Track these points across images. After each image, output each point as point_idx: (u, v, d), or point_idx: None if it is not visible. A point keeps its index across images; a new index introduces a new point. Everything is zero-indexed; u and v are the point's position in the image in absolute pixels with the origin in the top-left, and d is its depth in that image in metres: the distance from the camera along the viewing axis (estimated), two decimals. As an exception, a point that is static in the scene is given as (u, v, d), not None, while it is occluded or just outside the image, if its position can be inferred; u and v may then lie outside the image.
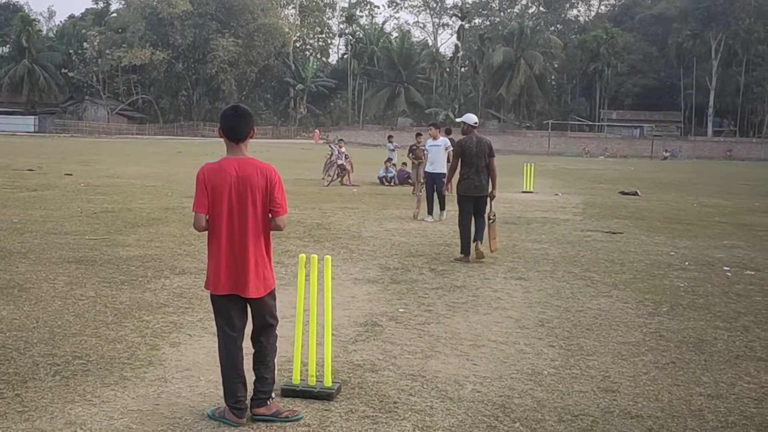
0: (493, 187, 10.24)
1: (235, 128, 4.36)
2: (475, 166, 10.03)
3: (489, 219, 10.28)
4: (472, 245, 10.04)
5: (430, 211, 14.49)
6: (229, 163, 4.32)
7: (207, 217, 4.32)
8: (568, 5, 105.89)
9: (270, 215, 4.38)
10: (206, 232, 4.39)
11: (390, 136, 26.97)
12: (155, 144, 58.87)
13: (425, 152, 15.86)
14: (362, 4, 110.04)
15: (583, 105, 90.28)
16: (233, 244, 4.30)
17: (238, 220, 4.29)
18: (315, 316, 4.90)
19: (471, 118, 10.45)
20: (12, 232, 11.08)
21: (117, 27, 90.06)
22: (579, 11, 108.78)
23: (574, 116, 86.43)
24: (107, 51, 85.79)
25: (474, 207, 10.17)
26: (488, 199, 10.24)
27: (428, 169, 14.76)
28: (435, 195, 14.48)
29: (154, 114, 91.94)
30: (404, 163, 23.73)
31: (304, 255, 4.90)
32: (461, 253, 10.13)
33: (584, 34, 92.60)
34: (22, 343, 5.65)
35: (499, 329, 6.53)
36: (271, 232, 4.46)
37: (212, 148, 43.91)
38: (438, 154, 14.60)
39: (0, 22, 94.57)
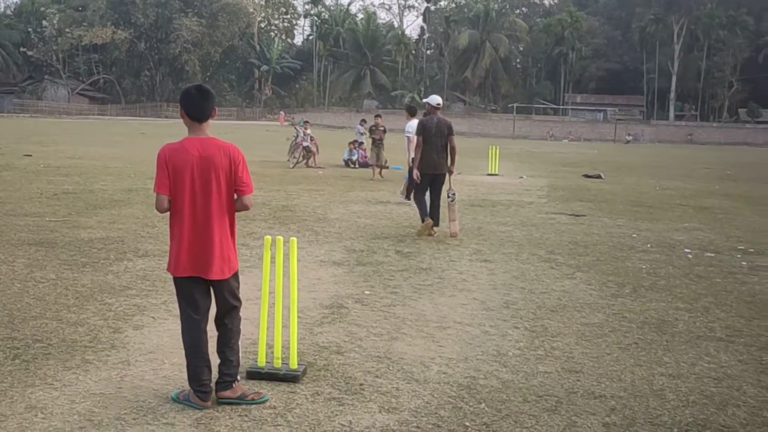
0: (452, 163, 10.49)
1: (197, 108, 4.27)
2: (434, 145, 10.29)
3: (448, 197, 10.46)
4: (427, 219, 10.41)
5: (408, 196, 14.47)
6: (190, 143, 4.24)
7: (169, 198, 4.23)
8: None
9: (235, 195, 4.32)
10: (168, 214, 4.32)
11: (362, 120, 26.87)
12: (117, 125, 58.04)
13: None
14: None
15: (547, 88, 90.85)
16: (196, 226, 4.23)
17: (201, 200, 4.21)
18: (281, 299, 4.86)
19: (434, 99, 10.73)
20: (-31, 214, 10.86)
21: (77, 5, 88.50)
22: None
23: (539, 99, 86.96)
24: (67, 29, 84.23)
25: (431, 185, 10.44)
26: (446, 176, 10.47)
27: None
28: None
29: (116, 94, 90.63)
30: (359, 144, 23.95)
31: (269, 237, 4.86)
32: (423, 221, 10.48)
33: (549, 17, 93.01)
34: (-20, 327, 5.54)
35: (464, 311, 6.55)
36: (236, 214, 4.41)
37: (176, 129, 43.37)
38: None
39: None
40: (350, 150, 23.98)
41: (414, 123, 15.11)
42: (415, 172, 10.34)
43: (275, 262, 4.80)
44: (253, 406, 4.29)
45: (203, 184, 4.20)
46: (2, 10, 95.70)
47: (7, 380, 4.54)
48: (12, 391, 4.38)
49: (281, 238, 4.82)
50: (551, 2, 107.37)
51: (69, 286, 6.89)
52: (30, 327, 5.61)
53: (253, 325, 5.32)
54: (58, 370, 4.76)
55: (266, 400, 4.37)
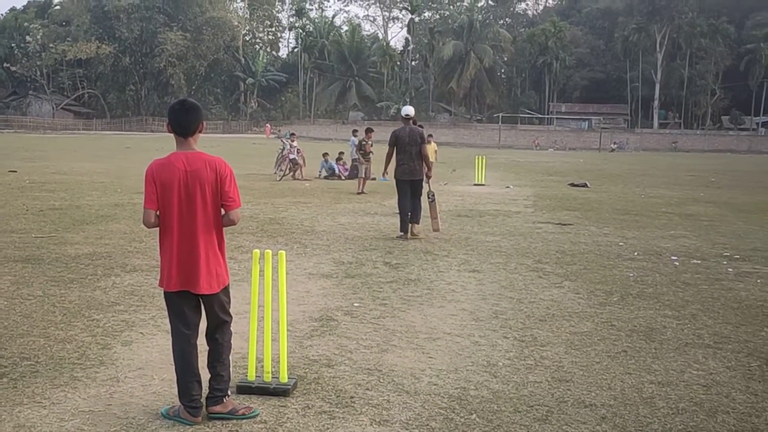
0: (428, 169, 11.41)
1: (183, 122, 4.28)
2: (408, 153, 11.21)
3: (429, 198, 11.59)
4: (410, 225, 11.30)
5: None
6: (177, 158, 4.24)
7: (157, 213, 4.24)
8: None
9: (222, 210, 4.32)
10: (158, 229, 4.32)
11: (354, 130, 26.64)
12: (103, 139, 57.84)
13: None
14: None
15: (532, 98, 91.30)
16: (184, 240, 4.23)
17: (188, 215, 4.21)
18: (270, 312, 4.85)
19: (405, 110, 11.58)
20: (-46, 231, 10.79)
21: (61, 20, 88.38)
22: (527, 4, 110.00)
23: (524, 109, 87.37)
24: (51, 45, 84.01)
25: (410, 190, 11.26)
26: (424, 181, 11.38)
27: None
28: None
29: (101, 109, 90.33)
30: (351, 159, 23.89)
31: (257, 250, 4.85)
32: (400, 231, 11.34)
33: (533, 27, 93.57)
34: (-33, 345, 5.50)
35: (453, 322, 6.56)
36: (224, 228, 4.41)
37: (162, 143, 43.28)
38: None
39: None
40: (325, 160, 23.97)
41: None
42: (385, 174, 11.66)
43: (264, 276, 4.79)
44: (244, 420, 4.28)
45: (190, 198, 4.20)
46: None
47: (-5, 399, 4.50)
48: (0, 410, 4.35)
49: (270, 251, 4.82)
50: (535, 12, 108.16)
51: (56, 303, 6.84)
52: (17, 345, 5.57)
53: (242, 339, 5.30)
54: (47, 387, 4.72)
55: (257, 415, 4.35)
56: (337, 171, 23.67)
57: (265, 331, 4.82)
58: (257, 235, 11.27)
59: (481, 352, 5.68)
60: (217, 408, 4.32)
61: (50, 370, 5.04)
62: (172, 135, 4.34)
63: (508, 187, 22.05)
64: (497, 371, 5.25)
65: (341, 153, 25.01)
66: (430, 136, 22.94)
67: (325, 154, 24.19)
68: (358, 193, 18.49)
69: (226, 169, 4.29)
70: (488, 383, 5.00)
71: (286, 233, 11.56)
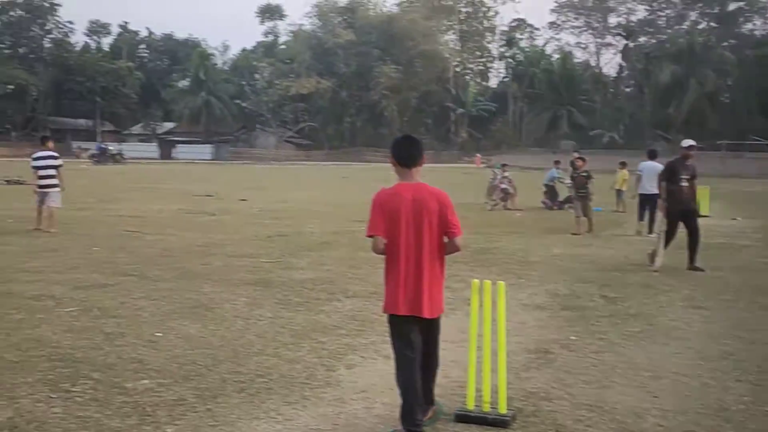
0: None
1: (407, 155, 4.57)
2: (680, 185, 11.13)
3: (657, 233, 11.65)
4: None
5: (650, 230, 15.12)
6: (404, 188, 4.51)
7: (384, 240, 4.46)
8: (742, 19, 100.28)
9: (446, 237, 4.52)
10: (379, 255, 4.57)
11: (557, 161, 26.23)
12: (321, 170, 60.91)
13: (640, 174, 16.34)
14: (522, 27, 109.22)
15: (762, 124, 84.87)
16: (410, 266, 4.43)
17: (414, 242, 4.43)
18: (489, 342, 4.88)
19: (685, 142, 11.77)
20: (196, 255, 11.81)
21: (285, 58, 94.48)
22: (755, 24, 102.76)
23: (753, 136, 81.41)
24: (276, 81, 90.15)
25: (683, 220, 11.25)
26: (694, 212, 11.55)
27: (641, 190, 16.16)
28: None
29: (319, 141, 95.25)
30: (545, 192, 23.44)
31: (477, 280, 4.92)
32: (651, 262, 11.07)
33: (762, 48, 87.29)
34: (210, 360, 5.99)
35: (679, 360, 6.23)
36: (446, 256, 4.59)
37: (377, 174, 44.86)
38: (651, 175, 14.88)
39: (181, 57, 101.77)
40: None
41: (648, 164, 16.03)
42: (663, 207, 11.36)
43: (482, 306, 4.83)
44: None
45: (416, 226, 4.43)
46: (220, 66, 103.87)
47: (236, 412, 4.87)
48: (240, 422, 4.70)
49: (489, 282, 4.86)
50: (763, 32, 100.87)
51: (285, 325, 7.29)
52: (253, 362, 5.99)
53: (459, 368, 5.38)
54: (280, 404, 5.04)
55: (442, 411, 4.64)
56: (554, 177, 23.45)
57: (483, 362, 4.85)
58: (470, 264, 11.34)
59: (711, 395, 5.35)
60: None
61: (282, 388, 5.37)
62: (390, 166, 4.61)
63: (735, 219, 20.64)
64: (731, 416, 4.92)
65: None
66: (624, 163, 22.06)
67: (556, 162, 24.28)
68: (573, 234, 15.90)
69: (448, 200, 4.55)
70: (720, 428, 4.70)
71: (499, 263, 11.56)
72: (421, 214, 4.42)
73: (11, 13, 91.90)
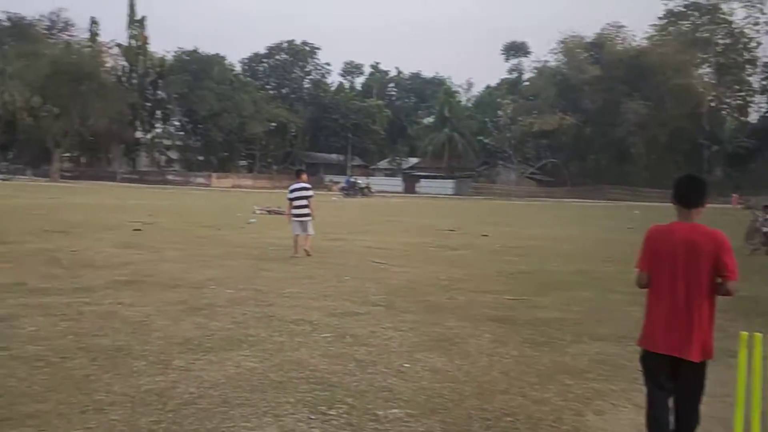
0: None
1: (690, 196, 4.55)
2: None
3: None
4: None
5: None
6: (678, 228, 4.50)
7: (647, 275, 4.50)
8: None
9: (720, 280, 4.40)
10: (639, 292, 4.63)
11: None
12: (564, 207, 59.90)
13: None
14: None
15: None
16: (675, 305, 4.38)
17: (682, 281, 4.39)
18: (759, 400, 4.49)
19: None
20: (440, 288, 12.03)
21: (529, 94, 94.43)
22: None
23: None
24: (519, 118, 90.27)
25: None
26: None
27: None
28: None
29: (561, 177, 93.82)
30: None
31: (745, 333, 4.55)
32: None
33: None
34: (456, 395, 6.05)
35: None
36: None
37: (655, 214, 43.11)
38: None
39: (427, 95, 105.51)
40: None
41: None
42: None
43: (752, 360, 4.47)
44: None
45: (686, 266, 4.38)
46: (464, 102, 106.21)
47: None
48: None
49: (759, 335, 4.50)
50: None
51: (530, 364, 7.19)
52: (498, 400, 5.96)
53: (721, 426, 4.99)
54: (529, 447, 4.97)
55: None
56: None
57: (753, 421, 4.45)
58: (729, 312, 10.51)
59: None
60: None
61: (529, 429, 5.30)
62: (674, 206, 4.60)
63: None
64: None
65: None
66: None
67: None
68: None
69: (725, 242, 4.44)
70: None
71: (763, 314, 10.62)
72: (692, 255, 4.37)
73: (277, 57, 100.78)
